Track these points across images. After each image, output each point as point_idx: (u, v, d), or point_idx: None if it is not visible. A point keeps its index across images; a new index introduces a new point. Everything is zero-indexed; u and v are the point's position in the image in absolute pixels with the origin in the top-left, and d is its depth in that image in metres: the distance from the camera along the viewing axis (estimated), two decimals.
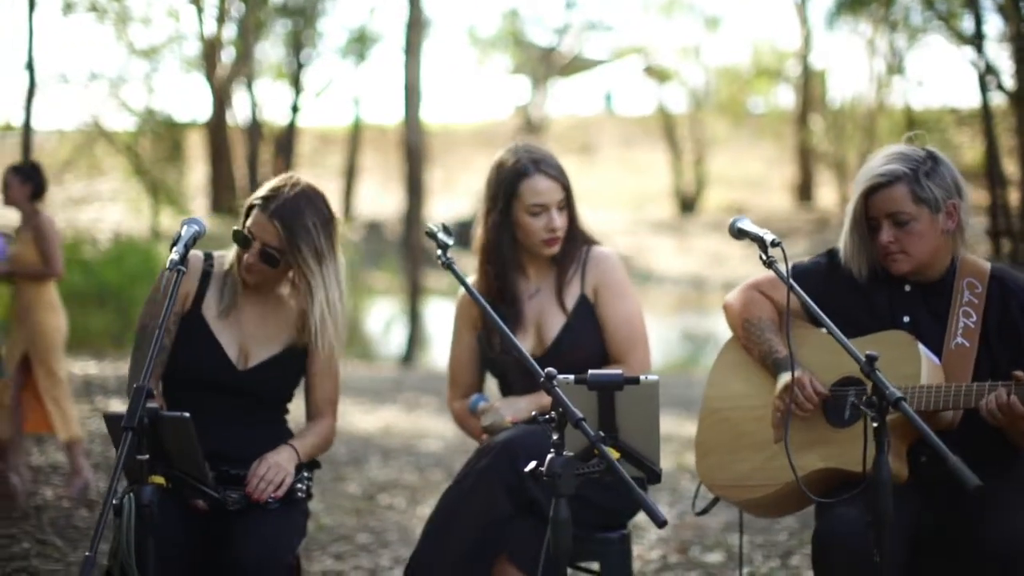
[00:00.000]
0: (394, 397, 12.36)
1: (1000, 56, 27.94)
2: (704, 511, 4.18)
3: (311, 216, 3.93)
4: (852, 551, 3.52)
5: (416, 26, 20.53)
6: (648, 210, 38.15)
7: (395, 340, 20.62)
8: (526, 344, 4.34)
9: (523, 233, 4.35)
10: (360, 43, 33.14)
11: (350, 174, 35.36)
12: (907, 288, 3.96)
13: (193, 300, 4.03)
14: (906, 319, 3.93)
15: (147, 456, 3.08)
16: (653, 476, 3.28)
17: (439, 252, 3.62)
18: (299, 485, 4.01)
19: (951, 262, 3.96)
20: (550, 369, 3.11)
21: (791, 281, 3.56)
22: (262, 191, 3.98)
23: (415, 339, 19.04)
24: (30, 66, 17.60)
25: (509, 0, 53.50)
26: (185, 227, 3.64)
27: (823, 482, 3.81)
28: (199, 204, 29.64)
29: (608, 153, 44.03)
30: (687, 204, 39.26)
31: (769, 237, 3.62)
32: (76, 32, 35.07)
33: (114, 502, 3.04)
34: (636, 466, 3.27)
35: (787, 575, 6.13)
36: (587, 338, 4.33)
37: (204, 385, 3.94)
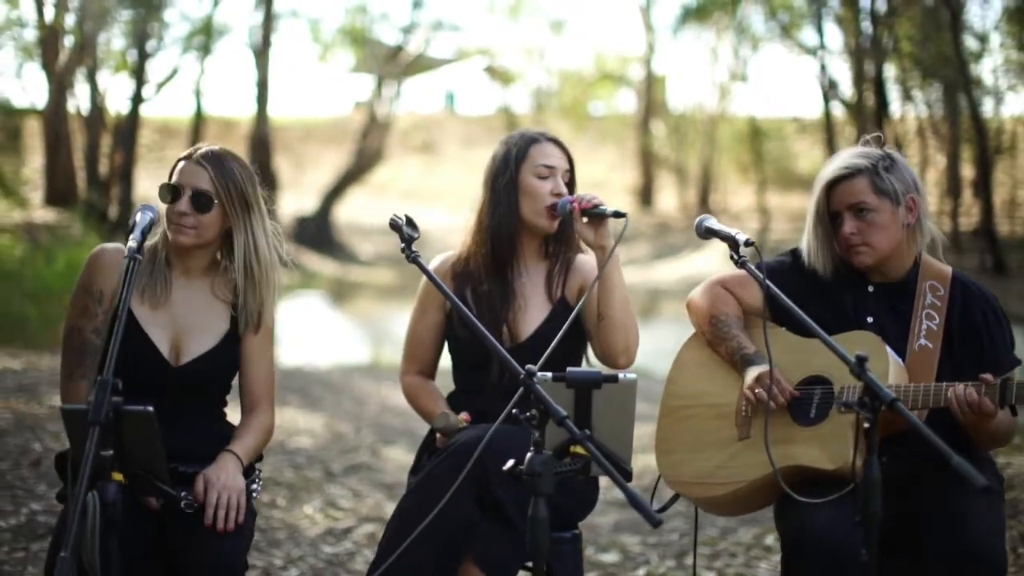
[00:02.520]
0: None
1: (840, 68, 28.69)
2: (663, 508, 4.16)
3: (237, 164, 3.91)
4: (830, 551, 3.54)
5: (270, 19, 20.30)
6: None
7: None
8: (503, 328, 4.28)
9: (528, 198, 4.28)
10: (205, 35, 32.57)
11: None
12: (870, 289, 4.01)
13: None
14: (870, 320, 3.97)
15: (111, 452, 2.95)
16: (625, 475, 3.25)
17: (403, 245, 3.56)
18: (253, 486, 3.94)
19: (914, 264, 4.01)
20: (530, 366, 3.06)
21: (767, 282, 3.57)
22: (185, 152, 3.93)
23: None
24: None
25: None
26: (140, 214, 3.55)
27: (786, 479, 3.81)
28: (35, 195, 28.86)
29: (450, 152, 44.09)
30: None
31: (742, 237, 3.63)
32: None
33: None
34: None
35: (684, 574, 6.16)
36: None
37: (139, 385, 3.66)
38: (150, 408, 3.10)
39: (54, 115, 28.63)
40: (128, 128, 30.62)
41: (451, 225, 33.78)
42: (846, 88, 28.62)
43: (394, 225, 3.59)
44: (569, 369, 3.19)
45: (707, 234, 3.77)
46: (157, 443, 3.21)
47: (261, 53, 20.39)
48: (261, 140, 20.18)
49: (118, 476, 3.01)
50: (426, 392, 4.40)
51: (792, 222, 31.80)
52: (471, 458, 3.59)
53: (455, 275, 4.39)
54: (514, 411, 3.03)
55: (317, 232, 34.71)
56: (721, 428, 4.00)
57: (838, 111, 28.96)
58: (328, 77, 71.27)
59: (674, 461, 4.09)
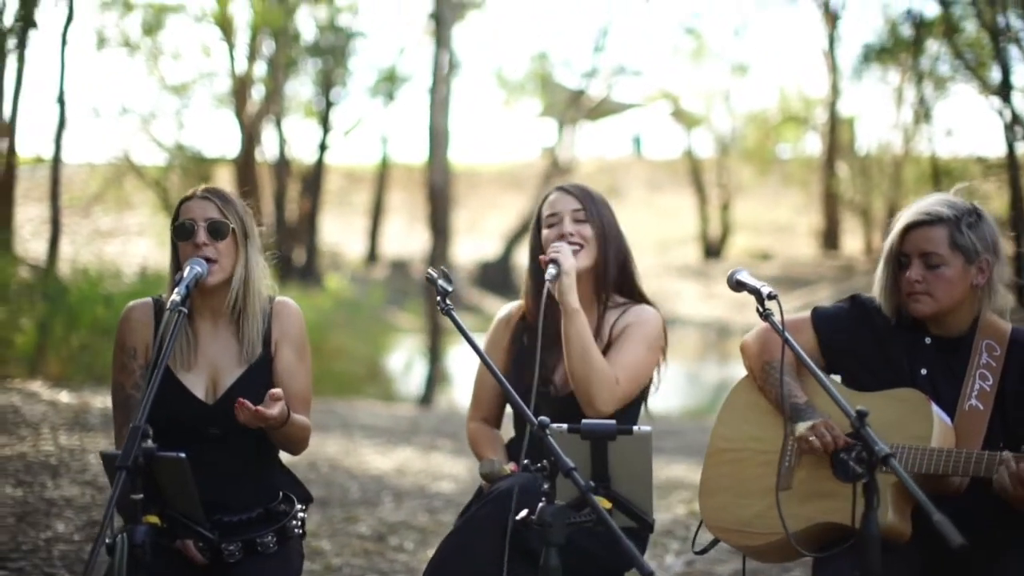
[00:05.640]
0: (410, 438, 12.34)
1: None
2: (703, 551, 4.18)
3: (235, 197, 4.13)
4: None
5: (441, 67, 20.65)
6: (674, 254, 38.14)
7: (415, 380, 20.62)
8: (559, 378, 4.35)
9: (543, 251, 4.34)
10: (389, 83, 33.30)
11: (376, 213, 35.49)
12: (927, 341, 3.96)
13: (153, 350, 4.01)
14: (923, 372, 3.93)
15: (141, 496, 3.10)
16: (645, 526, 3.29)
17: (438, 298, 3.65)
18: (293, 522, 4.02)
19: (973, 321, 3.95)
20: (543, 418, 3.13)
21: (786, 334, 3.59)
22: (185, 195, 4.11)
23: (435, 380, 19.02)
24: (61, 100, 17.68)
25: (538, 43, 53.69)
26: (188, 267, 3.70)
27: (823, 535, 3.80)
28: None
29: (635, 196, 44.07)
30: (713, 249, 39.24)
31: (766, 290, 3.65)
32: (109, 67, 35.40)
33: (107, 541, 3.06)
34: (629, 516, 3.28)
35: None
36: None
37: (182, 432, 3.86)
38: (182, 454, 3.25)
39: (244, 163, 29.55)
40: (314, 175, 31.43)
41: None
42: None
43: (430, 279, 3.69)
44: (584, 421, 3.25)
45: (737, 287, 3.79)
46: (191, 488, 3.34)
47: (441, 99, 20.72)
48: (437, 186, 20.48)
49: (153, 519, 3.17)
50: (486, 439, 4.50)
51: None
52: (506, 506, 3.67)
53: (517, 323, 4.49)
54: (525, 461, 3.11)
55: (500, 276, 35.05)
56: (764, 476, 3.98)
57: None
58: (513, 123, 71.90)
59: (715, 504, 4.08)
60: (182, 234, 3.98)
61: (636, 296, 4.46)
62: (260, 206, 23.90)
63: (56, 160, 17.68)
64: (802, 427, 3.86)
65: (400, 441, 12.11)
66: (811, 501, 3.82)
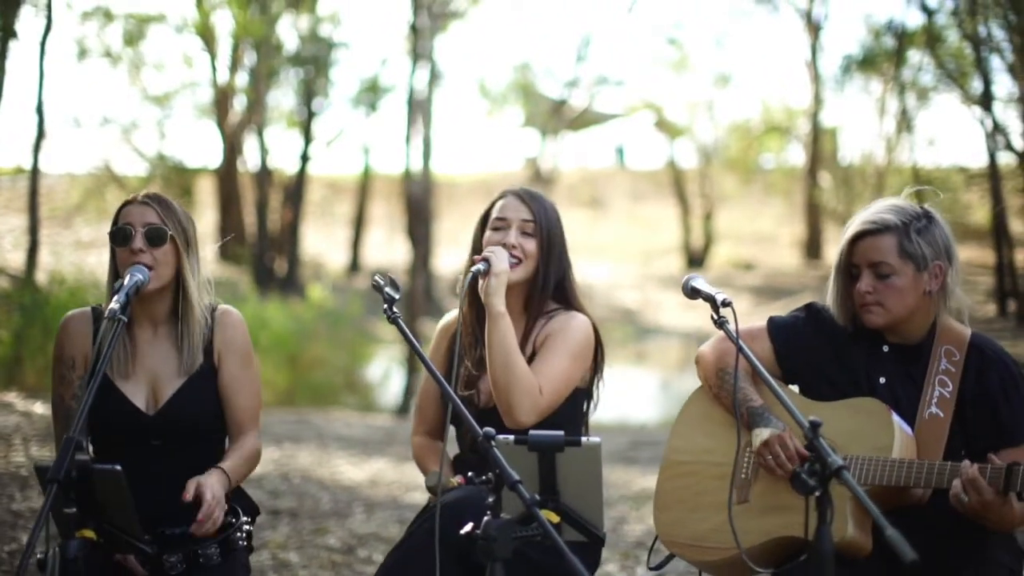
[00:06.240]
0: (384, 449, 12.25)
1: (1009, 116, 27.81)
2: (659, 566, 4.10)
3: (178, 205, 4.03)
4: None
5: (419, 78, 20.64)
6: (656, 264, 38.07)
7: (393, 390, 20.53)
8: (485, 388, 4.23)
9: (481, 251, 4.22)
10: (372, 93, 33.24)
11: (358, 223, 35.37)
12: (885, 349, 3.88)
13: (92, 360, 3.91)
14: (882, 380, 3.85)
15: (74, 510, 3.02)
16: (596, 540, 3.21)
17: (384, 306, 3.57)
18: (238, 534, 3.94)
19: (931, 327, 3.87)
20: (488, 429, 3.05)
21: (740, 343, 3.52)
22: (126, 199, 4.02)
23: (412, 390, 18.92)
24: (39, 110, 17.58)
25: (520, 53, 53.64)
26: (128, 275, 3.62)
27: (782, 549, 3.73)
28: (208, 250, 29.56)
29: (618, 207, 44.04)
30: (695, 259, 39.19)
31: (720, 297, 3.58)
32: (90, 77, 35.31)
33: (39, 555, 2.98)
34: (578, 530, 3.20)
35: None
36: None
37: (122, 443, 3.82)
38: (118, 467, 3.17)
39: (226, 173, 29.47)
40: (296, 185, 31.32)
41: (615, 280, 33.74)
42: (1015, 137, 27.81)
43: (376, 287, 3.61)
44: (531, 432, 3.17)
45: (692, 293, 3.71)
46: (128, 501, 3.26)
47: (420, 110, 20.69)
48: (417, 197, 20.43)
49: (88, 533, 3.09)
50: (431, 452, 4.42)
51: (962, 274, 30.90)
52: (447, 519, 3.59)
53: (455, 331, 4.34)
54: (470, 474, 3.03)
55: None
56: (719, 489, 3.89)
57: (1008, 160, 28.16)
58: (496, 133, 71.83)
59: (670, 519, 4.01)
60: (119, 239, 3.91)
61: (571, 303, 4.33)
62: (242, 216, 23.97)
63: (34, 171, 17.58)
64: (758, 440, 3.79)
65: (374, 452, 12.02)
66: (769, 515, 3.75)
